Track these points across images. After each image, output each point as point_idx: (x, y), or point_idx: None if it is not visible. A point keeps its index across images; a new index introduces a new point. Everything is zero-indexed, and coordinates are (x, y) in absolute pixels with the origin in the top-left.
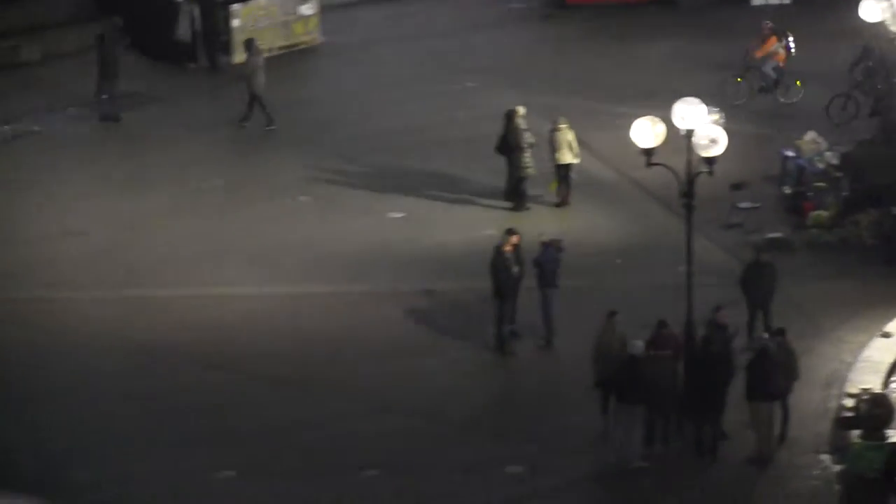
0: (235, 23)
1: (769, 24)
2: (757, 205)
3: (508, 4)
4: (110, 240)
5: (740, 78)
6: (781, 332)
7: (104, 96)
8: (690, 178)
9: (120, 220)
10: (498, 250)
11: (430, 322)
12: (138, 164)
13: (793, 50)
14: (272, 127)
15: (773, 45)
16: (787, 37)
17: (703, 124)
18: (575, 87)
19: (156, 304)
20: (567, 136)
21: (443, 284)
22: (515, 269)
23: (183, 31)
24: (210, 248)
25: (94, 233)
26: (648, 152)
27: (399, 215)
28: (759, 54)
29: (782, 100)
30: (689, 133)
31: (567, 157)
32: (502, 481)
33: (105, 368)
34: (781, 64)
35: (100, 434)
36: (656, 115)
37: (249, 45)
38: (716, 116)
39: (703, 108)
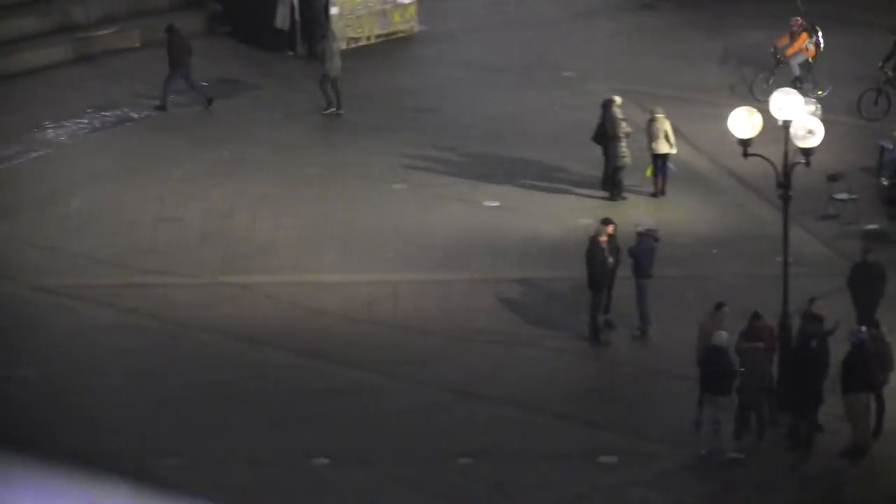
0: (334, 11)
1: (799, 19)
2: (854, 196)
3: None
4: (206, 226)
5: (770, 72)
6: (876, 324)
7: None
8: (787, 169)
9: (216, 207)
10: (593, 240)
11: (524, 311)
12: (235, 150)
13: (822, 45)
14: (340, 112)
15: (804, 41)
16: (816, 32)
17: (800, 115)
18: (671, 77)
19: (252, 290)
20: (664, 125)
21: (537, 273)
22: (610, 260)
23: (282, 19)
24: (306, 235)
25: (190, 219)
26: (745, 143)
27: (494, 204)
28: (789, 52)
29: (811, 95)
30: (787, 124)
31: (664, 147)
32: (595, 471)
33: (200, 354)
34: (811, 60)
35: (194, 419)
36: (753, 106)
37: (326, 30)
38: (813, 107)
39: (801, 98)
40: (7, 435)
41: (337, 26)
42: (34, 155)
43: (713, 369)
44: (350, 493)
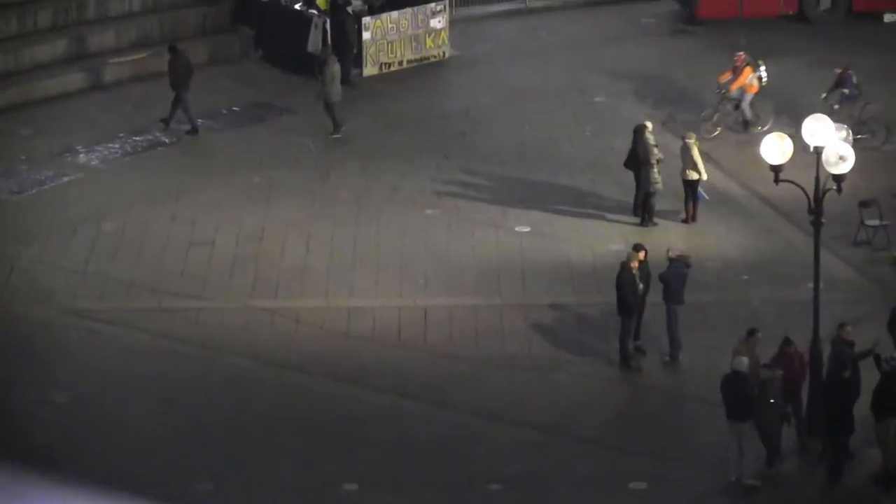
0: (366, 36)
1: (742, 54)
2: (886, 222)
3: (640, 19)
4: (237, 250)
5: (715, 110)
6: None
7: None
8: (819, 195)
9: (247, 231)
10: (624, 266)
11: (554, 336)
12: (266, 174)
13: (765, 80)
14: (337, 135)
15: (748, 76)
16: (759, 67)
17: (832, 141)
18: (703, 103)
19: (282, 315)
20: (695, 149)
21: (567, 299)
22: (641, 286)
23: (314, 43)
24: (337, 260)
25: (221, 243)
26: (777, 169)
27: (525, 229)
28: (733, 87)
29: (756, 131)
30: (818, 150)
31: (695, 174)
32: (625, 497)
33: (231, 379)
34: (753, 95)
35: (224, 444)
36: (785, 132)
37: (325, 54)
38: (844, 133)
39: (832, 124)
40: (36, 458)
41: (369, 51)
42: (66, 179)
43: (732, 394)
44: None
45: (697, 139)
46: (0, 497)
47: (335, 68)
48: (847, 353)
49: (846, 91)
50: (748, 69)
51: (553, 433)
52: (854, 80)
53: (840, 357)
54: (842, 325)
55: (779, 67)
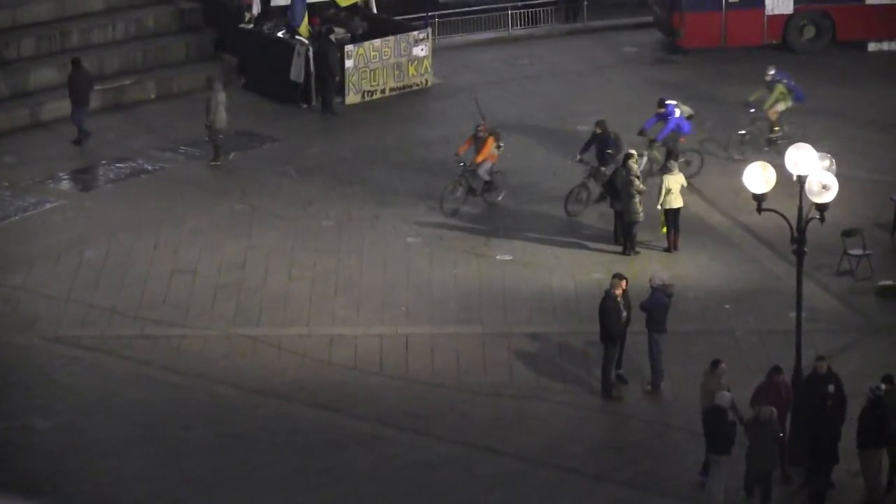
0: (349, 64)
1: (484, 123)
2: (869, 252)
3: (622, 48)
4: (219, 278)
5: (457, 183)
6: (890, 379)
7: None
8: (802, 225)
9: (229, 259)
10: (608, 294)
11: (536, 365)
12: (248, 203)
13: (502, 147)
14: (216, 163)
15: (491, 146)
16: (499, 138)
17: (815, 170)
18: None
19: (264, 342)
20: (677, 179)
21: (549, 328)
22: (624, 314)
23: (297, 72)
24: (319, 288)
25: (203, 271)
26: (760, 198)
27: (507, 258)
28: (479, 159)
29: (493, 201)
30: (801, 179)
31: (676, 202)
32: None
33: (212, 406)
34: (493, 163)
35: (205, 471)
36: (767, 161)
37: (212, 81)
38: (829, 162)
39: (815, 154)
40: (18, 484)
41: (352, 79)
42: (49, 206)
43: (713, 429)
44: None
45: (677, 169)
46: None
47: (220, 96)
48: (818, 387)
49: (609, 151)
50: (491, 139)
51: (534, 463)
52: (677, 112)
53: (824, 392)
54: (819, 358)
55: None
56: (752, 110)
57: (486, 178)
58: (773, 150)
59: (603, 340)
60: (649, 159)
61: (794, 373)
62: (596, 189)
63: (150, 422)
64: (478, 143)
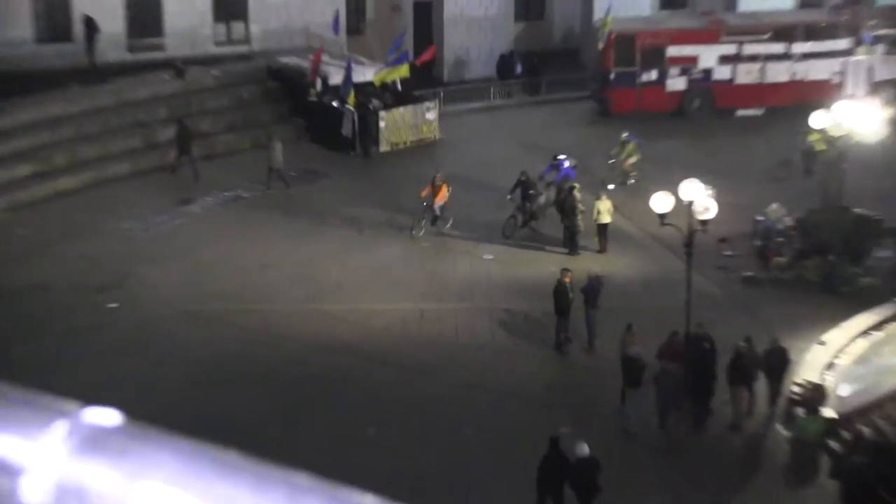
0: (382, 124)
1: (440, 173)
2: (737, 253)
3: (569, 113)
4: (295, 271)
5: (420, 217)
6: (748, 339)
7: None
8: (690, 234)
9: (300, 258)
10: (558, 282)
11: (510, 329)
12: (312, 219)
13: (450, 191)
14: (269, 190)
15: (444, 191)
16: (449, 185)
17: (700, 197)
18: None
19: (326, 314)
20: (606, 203)
21: (519, 304)
22: (570, 296)
23: (347, 128)
24: (361, 277)
25: (283, 266)
26: (663, 216)
27: (490, 257)
28: (437, 201)
29: (442, 229)
30: (690, 203)
31: (605, 219)
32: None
33: (291, 358)
34: (445, 202)
35: (286, 400)
36: (668, 190)
37: (269, 137)
38: (710, 191)
39: (700, 185)
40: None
41: (384, 135)
42: (177, 221)
43: (627, 370)
44: (386, 450)
45: (608, 196)
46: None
47: (277, 146)
48: (699, 343)
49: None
50: (445, 185)
51: (508, 395)
52: (567, 163)
53: (702, 346)
54: (699, 325)
55: (665, 145)
56: (612, 161)
57: (438, 213)
58: (628, 188)
59: (556, 313)
60: (546, 195)
61: (685, 335)
62: (520, 219)
63: (247, 368)
64: (434, 188)
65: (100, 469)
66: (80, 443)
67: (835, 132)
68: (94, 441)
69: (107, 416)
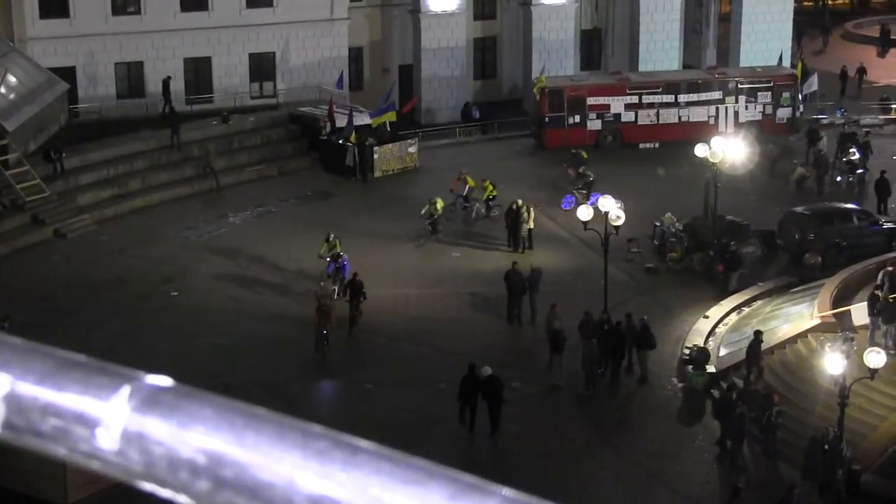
0: (376, 156)
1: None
2: (641, 250)
3: (514, 147)
4: (313, 265)
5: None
6: (629, 315)
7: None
8: (606, 236)
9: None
10: (510, 271)
11: (474, 308)
12: (326, 227)
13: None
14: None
15: (469, 180)
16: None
17: (613, 208)
18: (546, 188)
19: (340, 299)
20: (532, 213)
21: (481, 289)
22: (517, 281)
23: (349, 160)
24: (364, 270)
25: (305, 261)
26: (585, 222)
27: (458, 254)
28: (465, 188)
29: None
30: (607, 212)
31: (531, 225)
32: (510, 391)
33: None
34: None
35: (311, 357)
36: (590, 204)
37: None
38: (620, 204)
39: (614, 200)
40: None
41: (377, 164)
42: (222, 230)
43: (553, 338)
44: (375, 397)
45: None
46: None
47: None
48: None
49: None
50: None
51: (474, 357)
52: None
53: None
54: (603, 310)
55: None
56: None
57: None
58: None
59: (508, 295)
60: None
61: (601, 312)
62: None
63: (277, 340)
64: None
65: (155, 422)
66: (140, 401)
67: (712, 160)
68: (151, 400)
69: (161, 380)
